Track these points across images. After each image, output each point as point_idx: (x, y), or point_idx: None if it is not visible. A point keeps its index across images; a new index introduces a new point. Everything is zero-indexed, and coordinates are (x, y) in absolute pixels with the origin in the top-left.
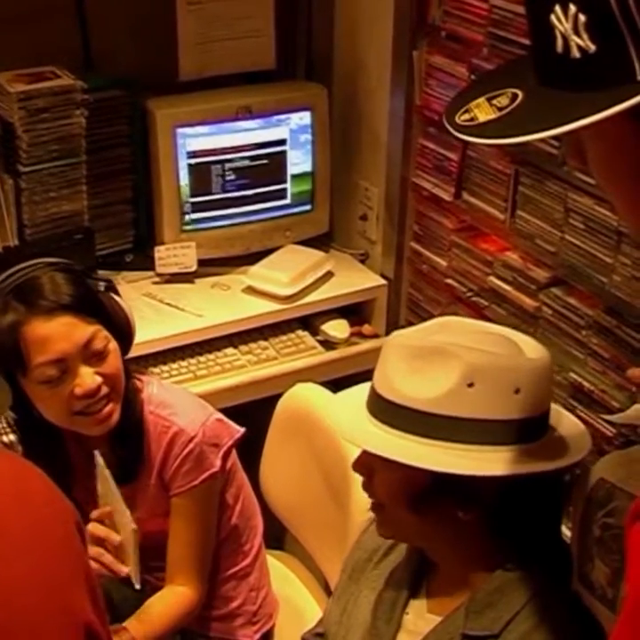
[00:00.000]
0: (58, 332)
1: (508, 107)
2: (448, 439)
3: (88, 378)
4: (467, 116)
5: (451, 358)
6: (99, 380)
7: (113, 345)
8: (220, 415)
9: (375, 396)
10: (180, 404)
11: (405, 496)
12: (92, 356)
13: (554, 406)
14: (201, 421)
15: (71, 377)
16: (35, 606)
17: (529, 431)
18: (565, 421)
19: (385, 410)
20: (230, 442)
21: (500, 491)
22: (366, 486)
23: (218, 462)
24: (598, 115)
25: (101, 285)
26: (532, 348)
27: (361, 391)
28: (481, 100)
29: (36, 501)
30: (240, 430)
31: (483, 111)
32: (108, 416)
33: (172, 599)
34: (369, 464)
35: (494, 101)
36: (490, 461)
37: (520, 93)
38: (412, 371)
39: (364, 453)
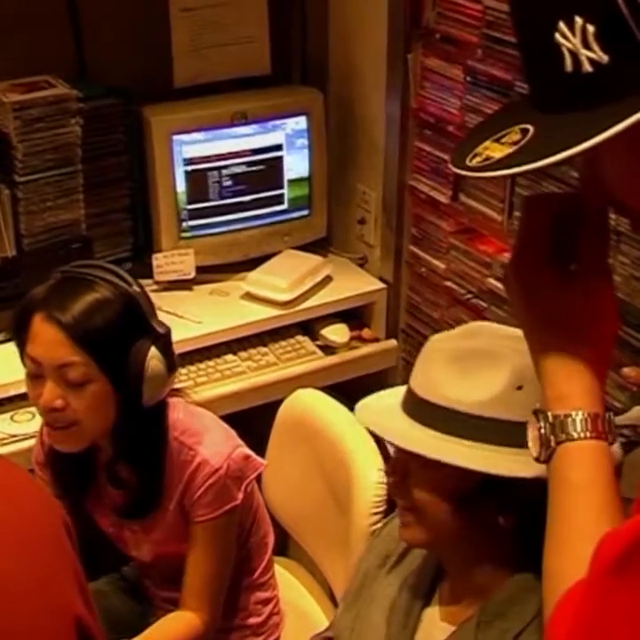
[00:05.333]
0: (44, 338)
1: (523, 139)
2: (498, 443)
3: (48, 393)
4: (479, 159)
5: (500, 361)
6: (58, 402)
7: (97, 387)
8: (246, 448)
9: (417, 400)
10: (207, 433)
11: (448, 497)
12: (62, 379)
13: None
14: (227, 454)
15: (44, 383)
16: (25, 599)
17: None
18: None
19: (429, 413)
20: (253, 475)
21: (543, 494)
22: (398, 488)
23: (240, 496)
24: (627, 121)
25: (160, 329)
26: None
27: (379, 398)
28: (488, 142)
29: (25, 501)
30: (263, 462)
31: (496, 150)
32: (66, 441)
33: (178, 624)
34: (405, 466)
35: (504, 140)
36: (530, 464)
37: (530, 127)
38: (461, 374)
39: (400, 455)
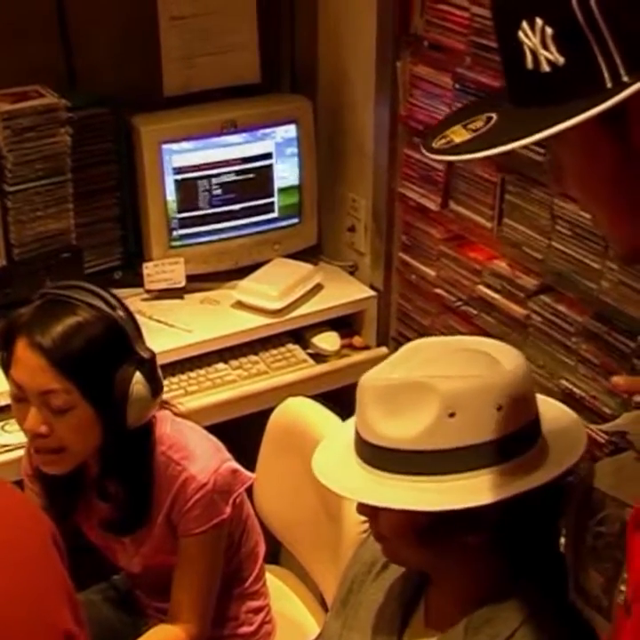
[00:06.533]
0: (27, 365)
1: (483, 128)
2: (438, 473)
3: (32, 419)
4: (443, 141)
5: (426, 392)
6: (42, 428)
7: (80, 413)
8: (233, 462)
9: (361, 441)
10: (194, 447)
11: (411, 533)
12: (45, 406)
13: (540, 398)
14: (213, 469)
15: (28, 406)
16: (15, 615)
17: (519, 444)
18: (554, 413)
19: (372, 454)
20: (241, 488)
21: (505, 509)
22: (372, 525)
23: (228, 510)
24: (564, 124)
25: (145, 353)
26: (507, 357)
27: (346, 430)
28: (457, 127)
29: (15, 516)
30: (251, 476)
31: (458, 135)
32: (52, 465)
33: (165, 638)
34: (368, 507)
35: (470, 126)
36: (485, 487)
37: (494, 116)
38: (390, 412)
39: None
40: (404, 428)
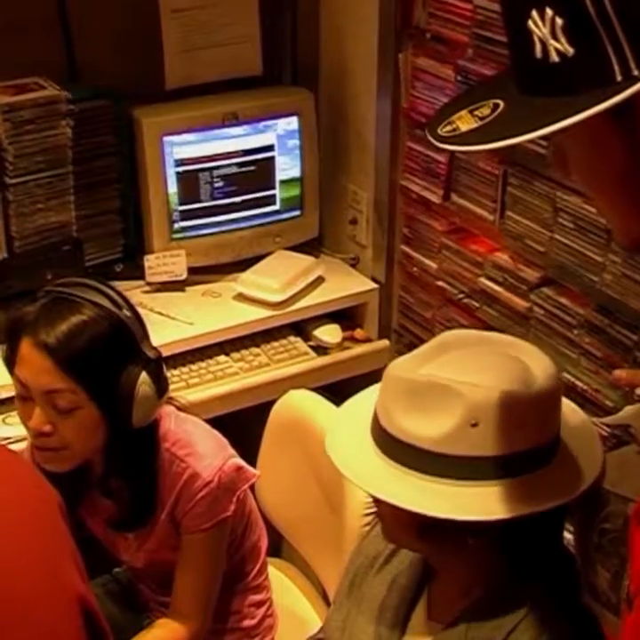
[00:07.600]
0: (32, 365)
1: (489, 116)
2: (453, 477)
3: (36, 418)
4: (449, 128)
5: (452, 397)
6: (47, 427)
7: (85, 413)
8: (238, 458)
9: (379, 428)
10: (198, 444)
11: (412, 526)
12: (50, 405)
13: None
14: (218, 466)
15: (33, 405)
16: (30, 581)
17: (536, 459)
18: (574, 423)
19: (389, 444)
20: (245, 486)
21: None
22: (375, 503)
23: (231, 507)
24: (575, 117)
25: (151, 353)
26: (539, 367)
27: (362, 407)
28: (463, 112)
29: (24, 484)
30: (255, 473)
31: (464, 122)
32: (54, 462)
33: (165, 635)
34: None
35: (476, 112)
36: (497, 499)
37: (501, 103)
38: (413, 407)
39: None
40: (424, 427)
